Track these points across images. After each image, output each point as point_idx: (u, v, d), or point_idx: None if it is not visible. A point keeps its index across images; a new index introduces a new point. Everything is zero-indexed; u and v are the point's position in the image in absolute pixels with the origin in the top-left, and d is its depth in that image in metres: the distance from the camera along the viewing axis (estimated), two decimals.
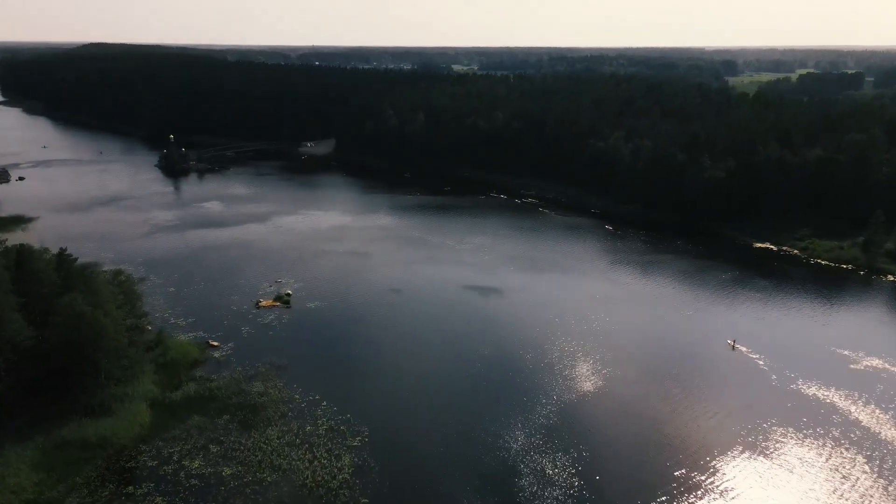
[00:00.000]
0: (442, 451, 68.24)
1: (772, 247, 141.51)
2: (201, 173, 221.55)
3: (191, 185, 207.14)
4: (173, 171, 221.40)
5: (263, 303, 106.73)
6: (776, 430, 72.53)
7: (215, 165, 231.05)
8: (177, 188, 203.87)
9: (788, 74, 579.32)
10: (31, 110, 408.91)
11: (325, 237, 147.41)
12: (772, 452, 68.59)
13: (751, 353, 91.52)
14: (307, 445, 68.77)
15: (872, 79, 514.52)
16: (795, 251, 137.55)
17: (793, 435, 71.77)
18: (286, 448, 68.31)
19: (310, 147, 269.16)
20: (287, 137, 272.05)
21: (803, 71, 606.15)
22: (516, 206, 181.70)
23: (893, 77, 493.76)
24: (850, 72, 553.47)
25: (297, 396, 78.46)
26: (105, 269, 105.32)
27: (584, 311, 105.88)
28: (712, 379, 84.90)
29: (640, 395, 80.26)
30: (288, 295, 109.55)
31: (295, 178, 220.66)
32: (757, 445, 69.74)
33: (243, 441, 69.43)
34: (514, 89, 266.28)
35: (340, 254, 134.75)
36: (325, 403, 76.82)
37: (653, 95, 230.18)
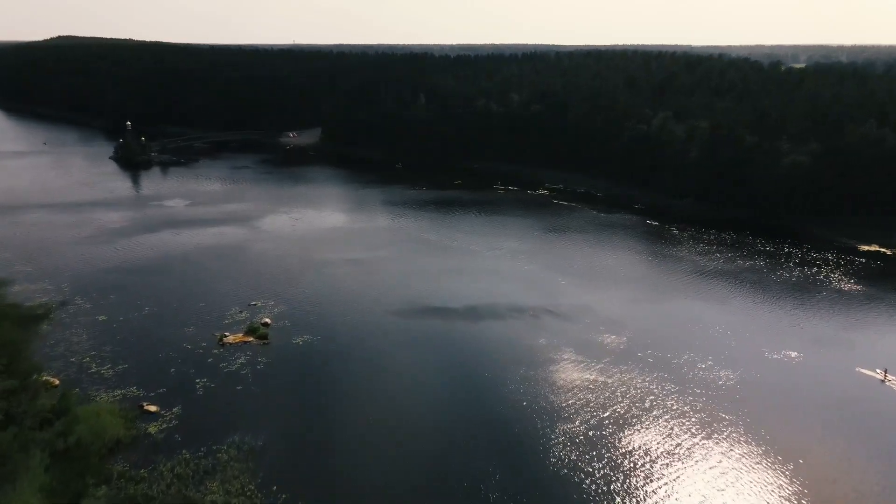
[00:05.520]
0: None
1: (883, 250, 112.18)
2: (165, 166, 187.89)
3: (151, 181, 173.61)
4: (131, 163, 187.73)
5: (231, 338, 74.80)
6: None
7: (182, 157, 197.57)
8: (133, 183, 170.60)
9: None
10: None
11: (317, 243, 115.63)
12: None
13: None
14: None
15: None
16: None
17: None
18: None
19: (293, 137, 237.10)
20: (267, 127, 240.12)
21: (799, 66, 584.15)
22: (543, 202, 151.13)
23: None
24: (858, 63, 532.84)
25: None
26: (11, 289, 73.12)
27: (685, 342, 75.67)
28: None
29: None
30: (266, 325, 77.90)
31: (277, 172, 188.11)
32: None
33: None
34: (529, 68, 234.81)
35: (337, 265, 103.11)
36: None
37: (697, 71, 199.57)
